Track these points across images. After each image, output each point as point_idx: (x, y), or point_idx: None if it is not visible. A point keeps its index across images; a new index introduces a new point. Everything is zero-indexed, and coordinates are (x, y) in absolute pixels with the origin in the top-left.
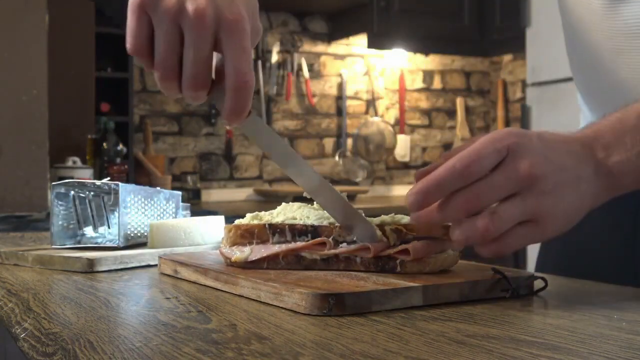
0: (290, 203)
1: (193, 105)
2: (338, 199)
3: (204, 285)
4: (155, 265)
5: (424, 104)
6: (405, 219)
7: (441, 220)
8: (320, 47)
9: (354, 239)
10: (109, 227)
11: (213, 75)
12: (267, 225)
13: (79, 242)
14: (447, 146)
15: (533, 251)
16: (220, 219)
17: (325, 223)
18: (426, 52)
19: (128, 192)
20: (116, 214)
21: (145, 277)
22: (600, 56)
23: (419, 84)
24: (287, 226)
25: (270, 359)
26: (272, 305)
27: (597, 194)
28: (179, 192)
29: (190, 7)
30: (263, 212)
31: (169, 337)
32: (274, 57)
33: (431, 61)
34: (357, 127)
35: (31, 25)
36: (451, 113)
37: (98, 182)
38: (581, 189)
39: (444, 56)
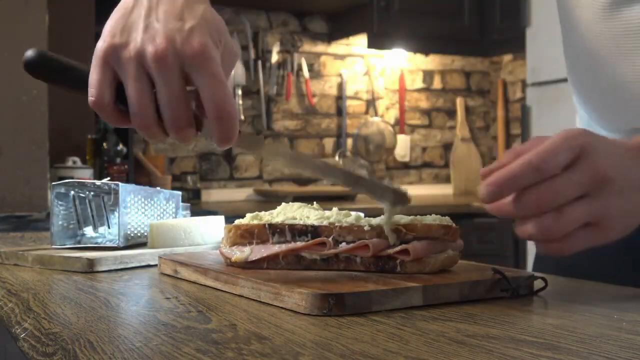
0: (290, 203)
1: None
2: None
3: (204, 285)
4: (155, 265)
5: (424, 104)
6: (405, 219)
7: (513, 214)
8: (320, 47)
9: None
10: (109, 227)
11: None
12: (267, 226)
13: (79, 242)
14: (447, 146)
15: (533, 251)
16: (220, 219)
17: (325, 223)
18: (426, 52)
19: (128, 192)
20: (116, 214)
21: (145, 277)
22: (601, 57)
23: (419, 84)
24: (287, 226)
25: (270, 359)
26: (272, 305)
27: None
28: (179, 192)
29: (149, 49)
30: (263, 212)
31: (169, 337)
32: (274, 57)
33: (431, 61)
34: (357, 127)
35: (31, 25)
36: (451, 113)
37: (98, 182)
38: None
39: (444, 56)
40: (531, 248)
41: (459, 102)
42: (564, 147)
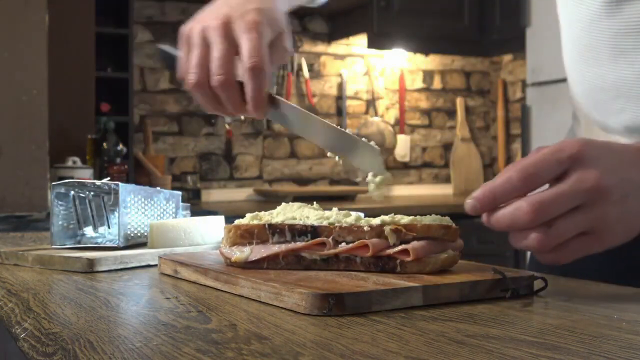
0: (290, 203)
1: (193, 105)
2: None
3: (204, 285)
4: (155, 265)
5: (424, 104)
6: (405, 219)
7: (504, 229)
8: (320, 47)
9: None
10: (109, 227)
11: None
12: (266, 226)
13: (79, 242)
14: (447, 146)
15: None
16: (220, 219)
17: (325, 223)
18: (426, 52)
19: (128, 192)
20: (116, 214)
21: (145, 277)
22: (602, 55)
23: (419, 84)
24: (286, 226)
25: (270, 359)
26: (272, 305)
27: None
28: (179, 192)
29: (213, 23)
30: (263, 212)
31: (169, 337)
32: None
33: (431, 61)
34: (357, 127)
35: (31, 25)
36: (451, 113)
37: (98, 182)
38: None
39: (444, 56)
40: None
41: (459, 102)
42: (549, 162)
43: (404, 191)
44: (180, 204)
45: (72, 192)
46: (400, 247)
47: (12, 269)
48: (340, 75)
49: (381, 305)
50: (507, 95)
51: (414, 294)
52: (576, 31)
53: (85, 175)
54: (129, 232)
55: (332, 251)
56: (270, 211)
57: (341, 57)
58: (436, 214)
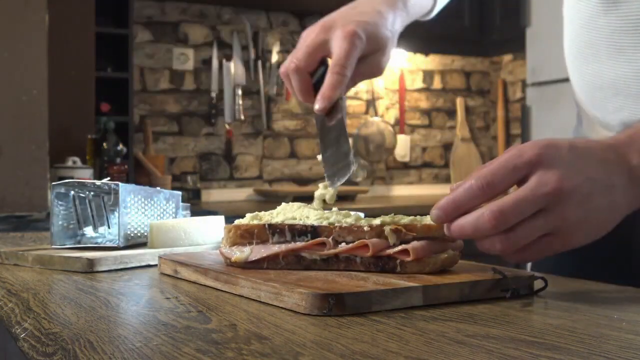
0: (290, 203)
1: (193, 105)
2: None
3: (204, 285)
4: (155, 265)
5: (424, 104)
6: (405, 219)
7: (469, 237)
8: None
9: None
10: (109, 227)
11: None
12: (266, 226)
13: (79, 242)
14: (447, 146)
15: None
16: (220, 219)
17: (325, 223)
18: (426, 52)
19: (128, 192)
20: (116, 214)
21: (145, 277)
22: (601, 52)
23: (419, 84)
24: (286, 226)
25: (270, 359)
26: (272, 305)
27: (631, 201)
28: (179, 192)
29: (313, 28)
30: (263, 212)
31: (169, 337)
32: (274, 57)
33: (431, 61)
34: (357, 127)
35: (31, 25)
36: (451, 113)
37: (98, 182)
38: (613, 198)
39: (444, 56)
40: None
41: (459, 102)
42: (507, 169)
43: (404, 191)
44: (180, 204)
45: (72, 192)
46: (400, 247)
47: (12, 269)
48: None
49: (381, 305)
50: (507, 95)
51: (414, 294)
52: (576, 28)
53: (85, 175)
54: (129, 232)
55: (332, 251)
56: (271, 211)
57: None
58: None
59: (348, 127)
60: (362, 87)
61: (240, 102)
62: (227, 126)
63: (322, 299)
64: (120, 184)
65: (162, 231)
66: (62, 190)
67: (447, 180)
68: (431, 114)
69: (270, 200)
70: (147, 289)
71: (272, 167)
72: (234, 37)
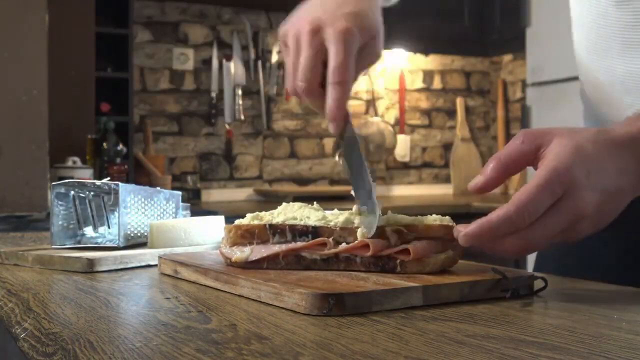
0: (291, 203)
1: (193, 105)
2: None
3: (204, 285)
4: (155, 265)
5: (424, 104)
6: (406, 220)
7: (491, 253)
8: None
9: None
10: (109, 227)
11: None
12: (267, 226)
13: (79, 242)
14: (447, 146)
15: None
16: (220, 219)
17: (325, 224)
18: (426, 52)
19: (128, 192)
20: (116, 214)
21: (145, 277)
22: (612, 48)
23: (419, 84)
24: (287, 226)
25: (270, 359)
26: (272, 305)
27: (635, 185)
28: (179, 192)
29: (306, 28)
30: (263, 212)
31: (169, 337)
32: (274, 57)
33: (431, 61)
34: (357, 127)
35: (31, 25)
36: (451, 113)
37: (98, 182)
38: (621, 201)
39: (444, 56)
40: None
41: (459, 102)
42: (545, 196)
43: (404, 191)
44: (180, 204)
45: (72, 192)
46: (400, 247)
47: (12, 269)
48: None
49: (381, 305)
50: (507, 95)
51: (413, 294)
52: (586, 24)
53: (85, 175)
54: (129, 232)
55: (332, 251)
56: (271, 211)
57: None
58: (436, 214)
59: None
60: (362, 87)
61: (240, 102)
62: (227, 126)
63: (322, 299)
64: (120, 184)
65: (162, 231)
66: (62, 190)
67: (447, 180)
68: (431, 114)
69: (270, 200)
70: (147, 289)
71: (272, 167)
72: (234, 37)
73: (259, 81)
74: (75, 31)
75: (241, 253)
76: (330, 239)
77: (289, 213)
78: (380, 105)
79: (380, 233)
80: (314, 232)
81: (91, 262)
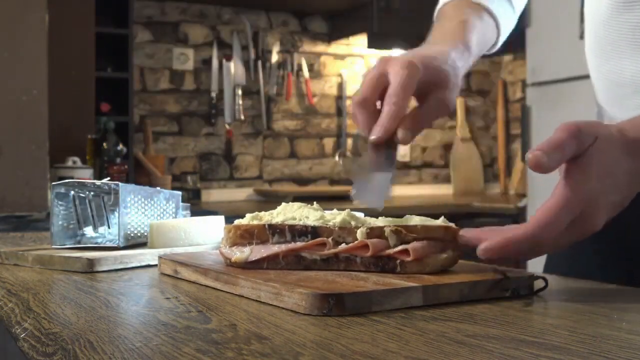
0: (290, 203)
1: (193, 105)
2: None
3: (204, 285)
4: (155, 265)
5: None
6: (416, 219)
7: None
8: (320, 47)
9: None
10: (109, 227)
11: None
12: (267, 226)
13: (79, 242)
14: (447, 146)
15: None
16: (220, 219)
17: (324, 223)
18: None
19: (128, 192)
20: (116, 214)
21: (145, 277)
22: (621, 49)
23: None
24: (287, 226)
25: (270, 359)
26: (272, 305)
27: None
28: (179, 192)
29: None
30: (263, 212)
31: (169, 337)
32: (274, 57)
33: None
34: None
35: (31, 25)
36: (451, 113)
37: (98, 182)
38: (624, 205)
39: None
40: None
41: (459, 102)
42: (566, 216)
43: (403, 191)
44: (180, 204)
45: (72, 192)
46: (400, 247)
47: (12, 269)
48: (340, 75)
49: (381, 305)
50: (507, 95)
51: (413, 294)
52: (596, 25)
53: (85, 175)
54: (129, 232)
55: (332, 251)
56: (271, 211)
57: (341, 57)
58: (436, 214)
59: (349, 128)
60: None
61: (240, 102)
62: (227, 126)
63: (322, 299)
64: (120, 184)
65: (162, 231)
66: (62, 190)
67: (447, 180)
68: None
69: (270, 200)
70: (147, 289)
71: (272, 167)
72: (234, 37)
73: (259, 81)
74: (75, 31)
75: (241, 253)
76: (330, 239)
77: (288, 213)
78: None
79: (379, 234)
80: (313, 232)
81: (91, 262)
